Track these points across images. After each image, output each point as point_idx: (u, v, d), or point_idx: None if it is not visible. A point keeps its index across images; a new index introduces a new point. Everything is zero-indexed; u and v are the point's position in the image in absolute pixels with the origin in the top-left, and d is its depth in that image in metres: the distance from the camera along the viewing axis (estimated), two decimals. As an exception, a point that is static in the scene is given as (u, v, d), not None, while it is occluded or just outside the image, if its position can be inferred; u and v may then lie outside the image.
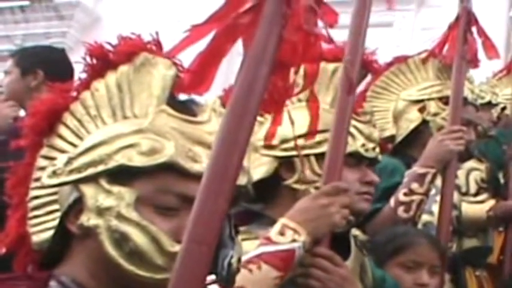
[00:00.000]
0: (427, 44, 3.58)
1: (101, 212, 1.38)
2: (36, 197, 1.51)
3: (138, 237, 1.36)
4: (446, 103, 3.28)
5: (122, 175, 1.39)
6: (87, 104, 1.50)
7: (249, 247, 1.93)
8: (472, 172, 3.86)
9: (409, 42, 10.31)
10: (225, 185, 1.20)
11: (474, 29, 3.32)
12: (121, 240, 1.36)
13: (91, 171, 1.41)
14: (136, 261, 1.36)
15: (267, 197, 2.23)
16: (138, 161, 1.39)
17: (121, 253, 1.36)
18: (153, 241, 1.36)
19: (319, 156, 2.18)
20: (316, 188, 2.14)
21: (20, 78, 3.59)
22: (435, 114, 3.38)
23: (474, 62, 3.31)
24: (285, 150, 2.21)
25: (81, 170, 1.42)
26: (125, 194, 1.38)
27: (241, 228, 2.09)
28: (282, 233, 1.92)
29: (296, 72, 1.34)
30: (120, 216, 1.37)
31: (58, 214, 1.47)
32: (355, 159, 2.23)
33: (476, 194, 3.83)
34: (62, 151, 1.48)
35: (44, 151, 1.52)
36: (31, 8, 12.64)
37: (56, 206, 1.49)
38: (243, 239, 2.01)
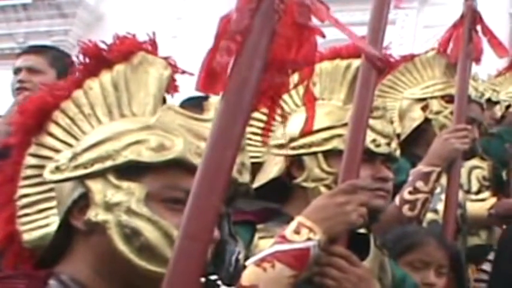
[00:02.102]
0: (430, 42, 3.56)
1: (109, 207, 1.39)
2: (26, 195, 1.51)
3: (150, 232, 1.37)
4: (448, 101, 3.29)
5: (130, 171, 1.40)
6: (80, 103, 1.50)
7: (266, 245, 1.92)
8: (474, 170, 3.84)
9: (412, 40, 10.30)
10: (218, 182, 1.20)
11: (479, 28, 3.29)
12: (131, 235, 1.37)
13: (98, 166, 1.42)
14: (147, 256, 1.37)
15: (283, 196, 2.24)
16: (147, 156, 1.40)
17: (131, 248, 1.37)
18: (165, 235, 1.37)
19: (327, 153, 2.19)
20: (326, 186, 2.14)
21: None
22: (437, 113, 3.38)
23: (478, 60, 3.29)
24: (293, 148, 2.22)
25: (87, 166, 1.42)
26: (134, 189, 1.39)
27: (259, 226, 2.12)
28: (297, 232, 1.89)
29: (292, 69, 1.32)
30: (130, 212, 1.38)
31: (51, 212, 1.48)
32: (367, 155, 2.18)
33: (478, 192, 3.81)
34: (53, 149, 1.49)
35: (32, 149, 1.52)
36: (33, 6, 12.65)
37: (47, 204, 1.49)
38: (260, 237, 2.02)
